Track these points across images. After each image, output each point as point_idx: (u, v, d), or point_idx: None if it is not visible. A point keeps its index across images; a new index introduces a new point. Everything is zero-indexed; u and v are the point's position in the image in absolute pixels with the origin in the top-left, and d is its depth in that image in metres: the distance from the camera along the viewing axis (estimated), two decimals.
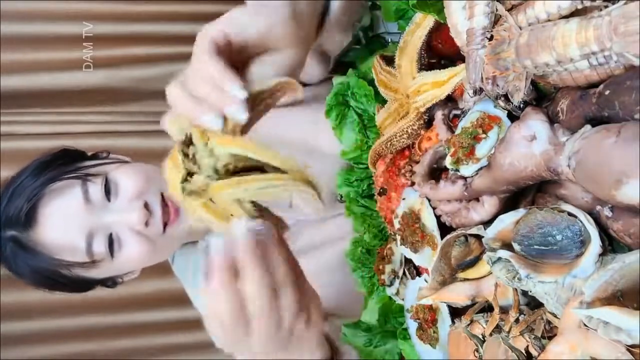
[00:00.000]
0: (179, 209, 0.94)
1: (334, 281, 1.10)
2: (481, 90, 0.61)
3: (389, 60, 0.82)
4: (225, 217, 0.52)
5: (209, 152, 0.52)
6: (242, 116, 0.52)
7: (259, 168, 0.52)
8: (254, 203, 0.52)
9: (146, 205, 0.90)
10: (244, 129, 0.55)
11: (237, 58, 0.56)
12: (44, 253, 0.88)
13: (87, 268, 0.90)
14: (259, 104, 0.56)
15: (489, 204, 0.63)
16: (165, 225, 0.92)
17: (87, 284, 0.96)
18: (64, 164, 0.92)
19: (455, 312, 0.71)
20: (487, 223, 0.63)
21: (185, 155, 0.52)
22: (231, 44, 0.55)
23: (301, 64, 0.63)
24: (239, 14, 0.57)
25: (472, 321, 0.66)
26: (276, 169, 0.52)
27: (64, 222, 0.88)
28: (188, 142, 0.52)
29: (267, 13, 0.57)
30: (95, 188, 0.89)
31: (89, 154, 0.99)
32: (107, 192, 0.90)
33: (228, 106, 0.52)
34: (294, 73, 0.61)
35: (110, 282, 0.99)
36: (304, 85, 1.16)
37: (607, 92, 0.49)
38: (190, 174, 0.51)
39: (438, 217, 0.72)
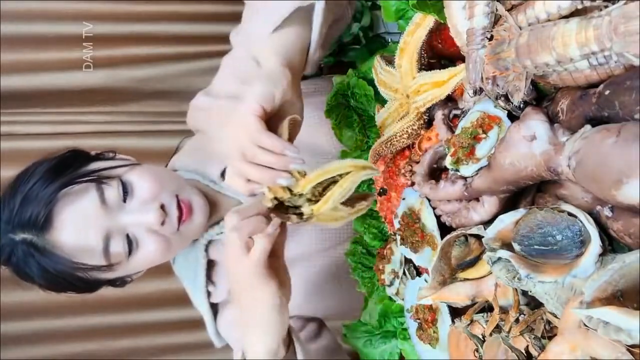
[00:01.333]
0: (192, 208, 0.95)
1: (335, 289, 1.11)
2: (481, 90, 0.61)
3: (389, 60, 0.82)
4: (335, 219, 0.73)
5: (299, 195, 0.71)
6: (303, 167, 0.70)
7: (333, 180, 0.71)
8: (344, 203, 0.72)
9: (162, 206, 0.91)
10: None
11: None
12: (61, 256, 0.88)
13: (104, 271, 0.91)
14: None
15: (489, 204, 0.63)
16: (179, 223, 0.93)
17: (97, 284, 0.96)
18: (76, 167, 0.92)
19: (455, 312, 0.71)
20: (487, 223, 0.63)
21: (286, 207, 0.73)
22: (266, 113, 0.72)
23: (301, 100, 0.80)
24: (264, 89, 0.73)
25: (472, 321, 0.66)
26: (342, 174, 0.71)
27: (81, 225, 0.88)
28: (279, 201, 0.73)
29: (281, 83, 0.74)
30: (111, 190, 0.90)
31: (94, 153, 0.99)
32: (125, 193, 0.91)
33: (292, 165, 0.70)
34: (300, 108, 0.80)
35: (119, 281, 0.99)
36: (304, 78, 1.17)
37: (607, 92, 0.49)
38: (300, 213, 0.72)
39: (438, 217, 0.72)
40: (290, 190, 0.72)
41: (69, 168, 0.91)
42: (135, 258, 0.92)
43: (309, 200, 0.72)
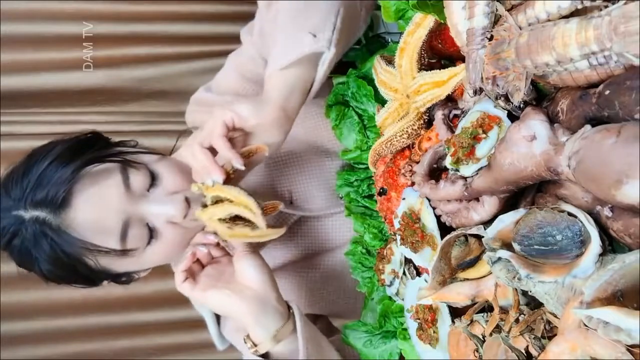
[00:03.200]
0: None
1: (337, 287, 1.11)
2: (481, 90, 0.61)
3: (389, 60, 0.82)
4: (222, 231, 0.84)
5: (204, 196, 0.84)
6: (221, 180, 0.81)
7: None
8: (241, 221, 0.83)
9: (186, 199, 0.90)
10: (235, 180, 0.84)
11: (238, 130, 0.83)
12: (74, 236, 0.84)
13: (116, 257, 0.87)
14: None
15: (489, 204, 0.63)
16: None
17: (101, 276, 0.93)
18: (100, 148, 0.90)
19: (455, 312, 0.71)
20: (487, 223, 0.63)
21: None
22: (234, 126, 0.81)
23: (280, 142, 0.85)
24: (243, 108, 0.81)
25: (472, 321, 0.66)
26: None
27: (102, 206, 0.85)
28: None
29: (265, 116, 0.81)
30: (137, 176, 0.88)
31: (116, 141, 0.97)
32: (152, 182, 0.89)
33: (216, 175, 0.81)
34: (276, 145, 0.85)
35: (125, 277, 0.96)
36: None
37: (607, 92, 0.49)
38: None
39: (438, 217, 0.72)
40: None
41: (89, 149, 0.89)
42: (152, 249, 0.90)
43: (204, 205, 0.83)
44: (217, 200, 0.81)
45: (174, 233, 0.90)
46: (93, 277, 0.91)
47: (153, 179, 0.89)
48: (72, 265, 0.88)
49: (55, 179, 0.84)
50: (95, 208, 0.85)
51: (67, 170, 0.84)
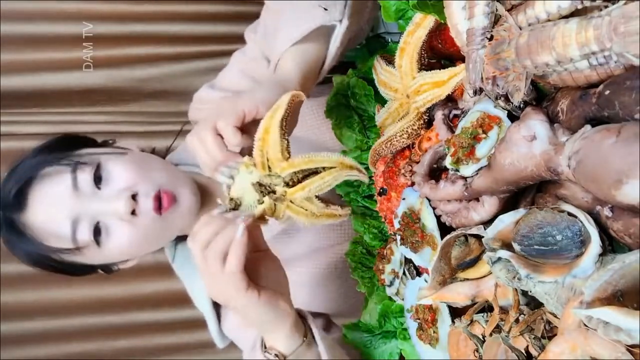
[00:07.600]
0: (174, 197, 0.93)
1: (340, 286, 1.11)
2: (481, 90, 0.61)
3: (389, 60, 0.82)
4: (305, 214, 0.72)
5: (276, 176, 0.71)
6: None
7: (316, 171, 0.71)
8: (319, 197, 0.71)
9: (135, 196, 0.90)
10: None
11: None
12: (32, 237, 0.89)
13: (73, 254, 0.90)
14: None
15: (489, 204, 0.63)
16: (160, 212, 0.92)
17: (81, 269, 0.96)
18: (60, 149, 0.93)
19: (455, 312, 0.71)
20: (487, 223, 0.63)
21: (261, 186, 0.71)
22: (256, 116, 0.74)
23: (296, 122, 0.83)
24: (268, 95, 0.74)
25: (472, 321, 0.66)
26: (326, 167, 0.70)
27: (50, 208, 0.89)
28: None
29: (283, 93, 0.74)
30: (85, 176, 0.90)
31: (93, 140, 1.00)
32: (97, 180, 0.90)
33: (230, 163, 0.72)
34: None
35: (104, 268, 1.00)
36: None
37: (607, 92, 0.49)
38: (270, 191, 0.71)
39: (438, 217, 0.72)
40: (269, 169, 0.71)
41: (53, 149, 0.92)
42: (108, 246, 0.91)
43: (286, 184, 0.70)
44: (297, 178, 0.70)
45: (129, 230, 0.91)
46: (69, 269, 0.95)
47: (100, 176, 0.91)
48: (41, 260, 0.93)
49: (14, 178, 0.90)
50: (46, 209, 0.89)
51: (23, 170, 0.89)
